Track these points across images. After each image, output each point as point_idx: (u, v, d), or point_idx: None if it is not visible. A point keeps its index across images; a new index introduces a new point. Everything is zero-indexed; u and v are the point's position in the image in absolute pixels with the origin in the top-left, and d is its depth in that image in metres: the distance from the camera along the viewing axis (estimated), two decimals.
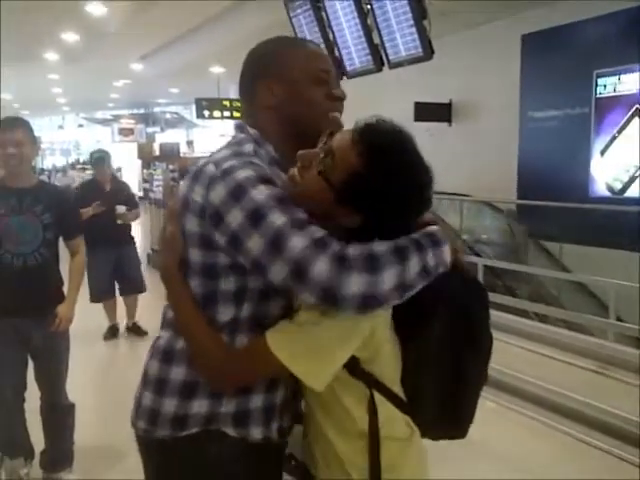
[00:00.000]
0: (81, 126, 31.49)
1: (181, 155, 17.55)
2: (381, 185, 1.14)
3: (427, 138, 9.24)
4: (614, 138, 7.60)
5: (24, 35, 10.67)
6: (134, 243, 5.88)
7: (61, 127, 32.75)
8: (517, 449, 3.51)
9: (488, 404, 3.82)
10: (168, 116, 26.86)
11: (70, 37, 11.08)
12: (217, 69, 14.09)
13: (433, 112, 10.32)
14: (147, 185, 11.31)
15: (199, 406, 1.26)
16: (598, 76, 7.72)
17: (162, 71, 14.79)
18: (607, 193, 7.78)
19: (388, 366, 1.28)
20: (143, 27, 9.79)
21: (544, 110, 8.51)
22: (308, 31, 6.36)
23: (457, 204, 8.70)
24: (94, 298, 5.54)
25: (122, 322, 5.92)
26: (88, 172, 14.89)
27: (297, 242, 1.11)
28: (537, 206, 7.79)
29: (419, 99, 10.08)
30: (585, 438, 3.58)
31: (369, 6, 5.69)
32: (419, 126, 9.27)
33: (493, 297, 4.77)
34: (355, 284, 1.08)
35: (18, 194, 2.86)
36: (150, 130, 25.01)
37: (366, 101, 10.91)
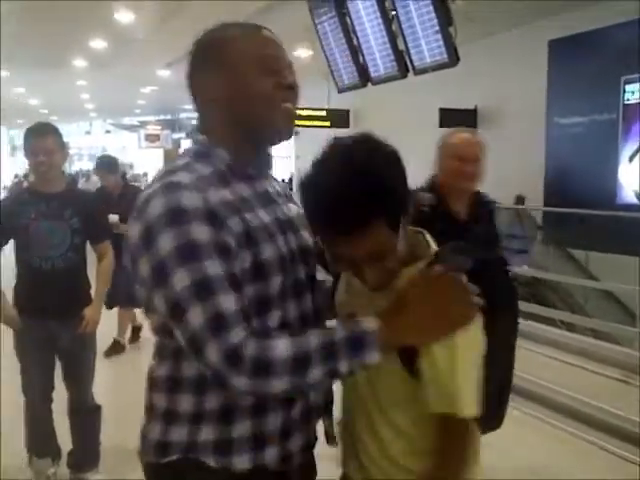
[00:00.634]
0: (108, 132, 31.88)
1: None
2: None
3: None
4: None
5: (53, 42, 10.86)
6: None
7: (88, 133, 33.19)
8: (539, 457, 3.47)
9: (513, 412, 3.77)
10: (194, 122, 26.91)
11: (98, 44, 11.23)
12: None
13: (458, 118, 10.25)
14: None
15: (179, 434, 1.21)
16: (626, 82, 7.64)
17: None
18: (635, 200, 7.68)
19: None
20: (170, 34, 9.87)
21: (571, 116, 8.43)
22: (332, 37, 6.38)
23: None
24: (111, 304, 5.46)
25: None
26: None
27: (194, 317, 1.06)
28: (564, 213, 7.71)
29: (444, 105, 10.05)
30: (612, 448, 3.52)
31: (394, 12, 5.70)
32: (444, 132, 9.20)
33: (520, 305, 4.71)
34: (242, 384, 1.06)
35: (47, 199, 2.91)
36: (176, 136, 25.15)
37: (391, 107, 10.92)
